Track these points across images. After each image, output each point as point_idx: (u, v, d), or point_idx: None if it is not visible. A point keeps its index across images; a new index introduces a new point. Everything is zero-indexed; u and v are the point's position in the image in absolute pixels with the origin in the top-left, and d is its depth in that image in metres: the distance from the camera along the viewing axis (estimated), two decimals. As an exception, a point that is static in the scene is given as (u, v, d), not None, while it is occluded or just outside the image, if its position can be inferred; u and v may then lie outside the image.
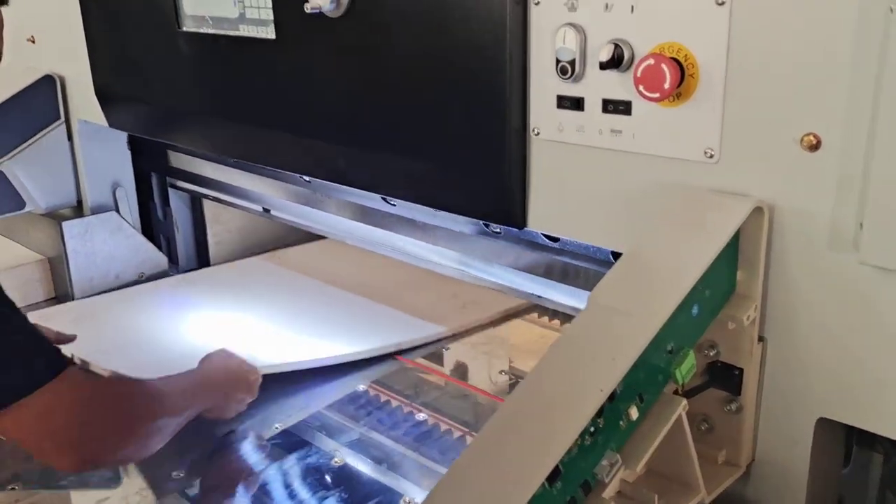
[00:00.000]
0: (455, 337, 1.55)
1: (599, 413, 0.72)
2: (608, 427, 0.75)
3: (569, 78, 0.93)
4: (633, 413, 0.76)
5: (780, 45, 0.79)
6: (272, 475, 1.19)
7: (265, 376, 1.32)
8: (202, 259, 1.93)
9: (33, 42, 1.72)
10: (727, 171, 0.85)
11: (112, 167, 1.79)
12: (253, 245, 1.94)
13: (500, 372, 1.46)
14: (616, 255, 1.09)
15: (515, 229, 1.08)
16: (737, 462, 0.91)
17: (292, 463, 1.20)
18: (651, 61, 0.84)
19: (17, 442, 0.96)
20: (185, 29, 1.34)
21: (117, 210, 1.79)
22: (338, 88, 1.16)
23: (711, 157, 0.86)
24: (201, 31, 1.31)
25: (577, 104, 0.94)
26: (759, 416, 0.90)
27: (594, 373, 0.73)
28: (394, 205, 1.39)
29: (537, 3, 0.94)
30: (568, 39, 0.92)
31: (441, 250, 1.39)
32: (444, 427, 1.28)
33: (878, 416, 0.82)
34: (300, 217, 1.66)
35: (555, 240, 1.16)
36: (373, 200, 1.43)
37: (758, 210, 0.82)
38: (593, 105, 0.93)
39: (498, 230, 1.24)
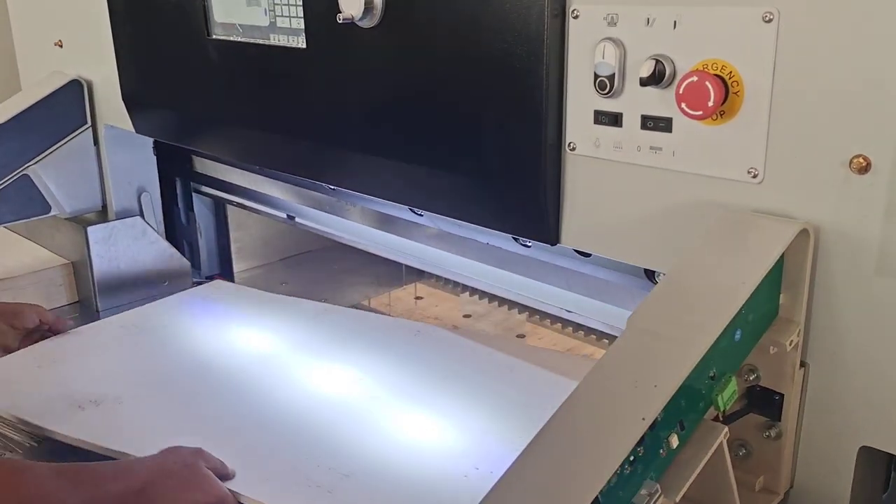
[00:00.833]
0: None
1: (640, 441, 0.71)
2: (648, 455, 0.73)
3: (607, 93, 0.91)
4: (674, 441, 0.74)
5: (829, 64, 0.77)
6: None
7: None
8: (225, 264, 1.92)
9: (61, 46, 1.73)
10: (772, 192, 0.83)
11: (137, 172, 1.79)
12: (275, 252, 1.94)
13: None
14: (649, 273, 1.07)
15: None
16: (775, 489, 0.89)
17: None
18: (694, 78, 0.82)
19: None
20: (214, 37, 1.33)
21: (142, 215, 1.78)
22: (368, 99, 1.15)
23: (755, 177, 0.84)
24: (231, 38, 1.30)
25: (615, 120, 0.93)
26: (798, 442, 0.88)
27: (635, 400, 0.71)
28: (420, 215, 1.37)
29: (576, 17, 0.92)
30: (607, 54, 0.90)
31: (468, 262, 1.37)
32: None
33: (924, 446, 0.79)
34: (324, 225, 1.65)
35: (587, 254, 1.14)
36: (398, 210, 1.41)
37: (804, 233, 0.80)
38: (632, 121, 0.91)
39: (528, 243, 1.23)
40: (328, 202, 1.60)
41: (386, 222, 1.51)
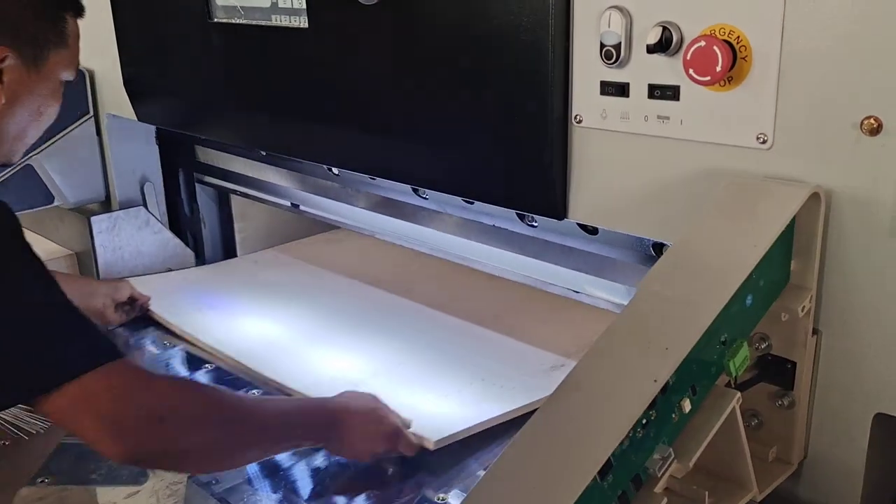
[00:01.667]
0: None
1: (652, 405, 0.70)
2: (660, 420, 0.72)
3: (613, 63, 0.91)
4: (686, 406, 0.74)
5: (838, 26, 0.76)
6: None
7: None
8: (228, 254, 1.91)
9: (62, 36, 1.72)
10: (781, 157, 0.82)
11: (140, 162, 1.78)
12: (280, 240, 1.93)
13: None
14: (657, 247, 1.07)
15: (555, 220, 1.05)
16: (788, 459, 0.88)
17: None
18: (702, 43, 0.81)
19: (65, 424, 0.90)
20: (216, 20, 1.32)
21: (145, 205, 1.78)
22: (372, 77, 1.14)
23: (764, 142, 0.83)
24: (233, 21, 1.30)
25: (621, 90, 0.92)
26: (812, 411, 0.87)
27: (647, 363, 0.70)
28: (425, 197, 1.36)
29: (581, -14, 0.92)
30: (613, 23, 0.89)
31: (475, 245, 1.36)
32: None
33: (939, 411, 0.79)
34: (328, 212, 1.64)
35: (593, 232, 1.14)
36: (403, 194, 1.40)
37: (814, 197, 0.79)
38: (639, 91, 0.90)
39: (535, 223, 1.22)
40: (332, 189, 1.59)
41: (391, 207, 1.50)
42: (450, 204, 1.32)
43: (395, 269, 1.71)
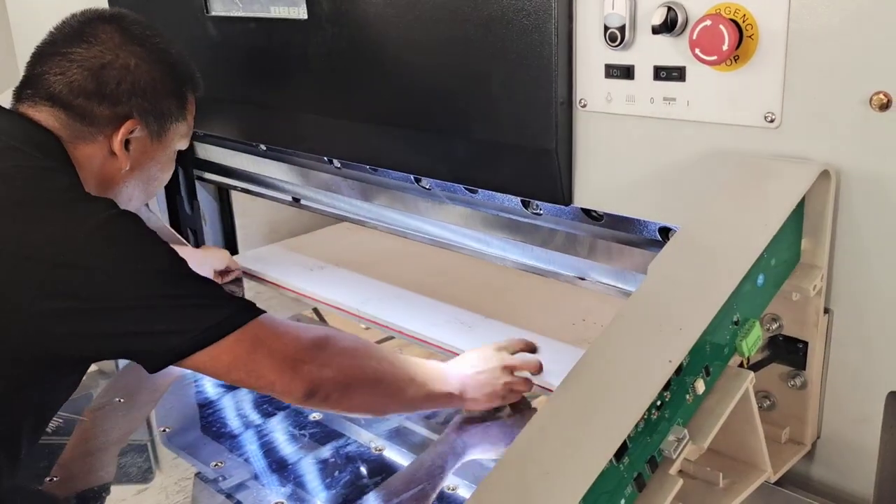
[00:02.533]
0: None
1: (666, 386, 0.69)
2: (674, 401, 0.71)
3: (618, 45, 0.90)
4: (700, 386, 0.73)
5: (844, 1, 0.75)
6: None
7: None
8: (230, 251, 1.90)
9: (59, 34, 1.70)
10: (790, 136, 0.82)
11: (139, 160, 1.77)
12: (282, 236, 1.92)
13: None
14: (663, 231, 1.06)
15: (559, 207, 1.05)
16: (801, 440, 0.88)
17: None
18: (708, 23, 0.81)
19: (243, 372, 0.94)
20: (213, 13, 1.32)
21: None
22: (373, 67, 1.13)
23: (772, 121, 0.82)
24: (231, 14, 1.29)
25: (626, 73, 0.91)
26: (824, 391, 0.86)
27: (661, 344, 0.69)
28: (427, 188, 1.36)
29: (584, -32, 0.91)
30: (617, 4, 0.89)
31: (478, 235, 1.36)
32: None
33: (954, 388, 0.78)
34: (330, 206, 1.63)
35: (599, 218, 1.13)
36: (406, 187, 1.40)
37: (824, 175, 0.79)
38: (644, 73, 0.90)
39: (539, 211, 1.21)
40: (333, 182, 1.58)
41: (394, 199, 1.49)
42: (453, 195, 1.31)
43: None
